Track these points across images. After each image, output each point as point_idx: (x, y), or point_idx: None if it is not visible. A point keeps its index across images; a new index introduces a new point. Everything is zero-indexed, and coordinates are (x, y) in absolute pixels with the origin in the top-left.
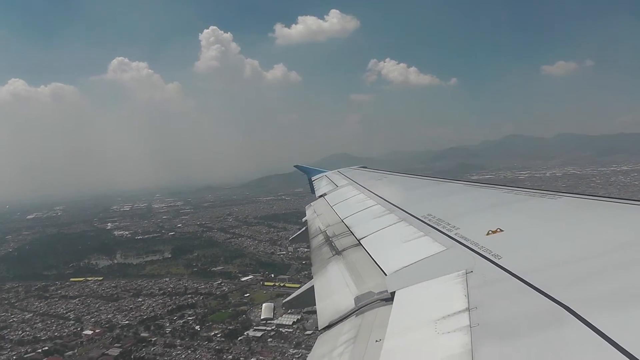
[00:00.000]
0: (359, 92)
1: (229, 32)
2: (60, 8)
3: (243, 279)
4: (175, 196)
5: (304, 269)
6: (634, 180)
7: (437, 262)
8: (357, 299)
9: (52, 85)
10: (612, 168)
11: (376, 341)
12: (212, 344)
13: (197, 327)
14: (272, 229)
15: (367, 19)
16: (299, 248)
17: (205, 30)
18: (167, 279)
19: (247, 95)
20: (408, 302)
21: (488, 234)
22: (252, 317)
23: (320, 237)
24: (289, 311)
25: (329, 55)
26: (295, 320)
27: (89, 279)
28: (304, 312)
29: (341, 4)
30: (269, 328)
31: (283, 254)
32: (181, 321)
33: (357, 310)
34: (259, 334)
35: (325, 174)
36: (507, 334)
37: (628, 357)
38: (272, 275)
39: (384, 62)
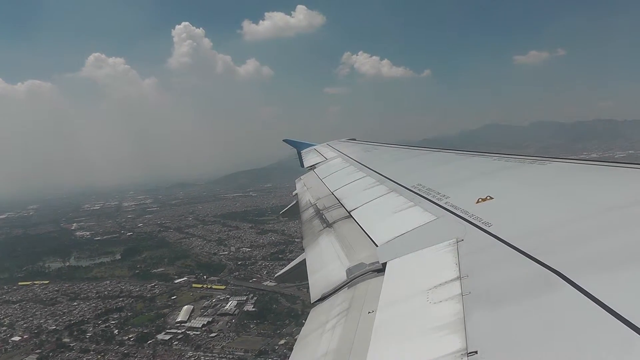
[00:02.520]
0: (333, 85)
1: (200, 28)
2: (36, 4)
3: (176, 281)
4: (148, 193)
5: (237, 270)
6: None
7: (428, 231)
8: (349, 271)
9: (28, 82)
10: (581, 156)
11: (369, 312)
12: (123, 348)
13: (116, 332)
14: (225, 228)
15: (334, 13)
16: (241, 248)
17: (178, 26)
18: (107, 282)
19: (222, 90)
20: (399, 273)
21: (478, 202)
22: (169, 320)
23: (311, 210)
24: (204, 313)
25: (300, 50)
26: (205, 322)
27: (36, 282)
28: (216, 315)
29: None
30: (179, 331)
31: (225, 254)
32: (104, 325)
33: (349, 282)
34: (167, 337)
35: (314, 147)
36: (499, 300)
37: (619, 319)
38: (205, 276)
39: (357, 55)
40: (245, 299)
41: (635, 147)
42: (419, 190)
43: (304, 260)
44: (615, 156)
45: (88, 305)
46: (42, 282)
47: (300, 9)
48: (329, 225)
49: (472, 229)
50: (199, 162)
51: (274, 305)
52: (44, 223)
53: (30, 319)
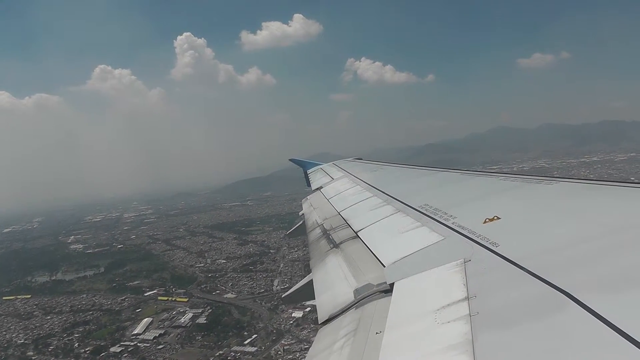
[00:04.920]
0: (339, 92)
1: (202, 38)
2: (42, 19)
3: (146, 293)
4: (151, 203)
5: (206, 282)
6: (592, 173)
7: (435, 252)
8: (357, 292)
9: (36, 96)
10: (582, 159)
11: (376, 333)
12: None
13: (76, 345)
14: (210, 239)
15: (332, 21)
16: (217, 259)
17: (180, 37)
18: (84, 295)
19: (227, 99)
20: (407, 293)
21: (485, 222)
22: (127, 333)
23: (318, 231)
24: (160, 326)
25: (301, 58)
26: (157, 335)
27: (19, 297)
28: (170, 327)
29: (303, 9)
30: (131, 344)
31: (200, 266)
32: (67, 339)
33: (356, 302)
34: (119, 349)
35: (320, 166)
36: (507, 321)
37: (628, 340)
38: (174, 289)
39: (359, 61)
40: (201, 311)
41: (639, 149)
42: (425, 210)
43: (311, 280)
44: (616, 159)
45: (59, 319)
46: (24, 296)
47: (298, 17)
48: (335, 245)
49: (479, 249)
50: (205, 171)
51: (224, 318)
52: (44, 236)
53: (4, 333)
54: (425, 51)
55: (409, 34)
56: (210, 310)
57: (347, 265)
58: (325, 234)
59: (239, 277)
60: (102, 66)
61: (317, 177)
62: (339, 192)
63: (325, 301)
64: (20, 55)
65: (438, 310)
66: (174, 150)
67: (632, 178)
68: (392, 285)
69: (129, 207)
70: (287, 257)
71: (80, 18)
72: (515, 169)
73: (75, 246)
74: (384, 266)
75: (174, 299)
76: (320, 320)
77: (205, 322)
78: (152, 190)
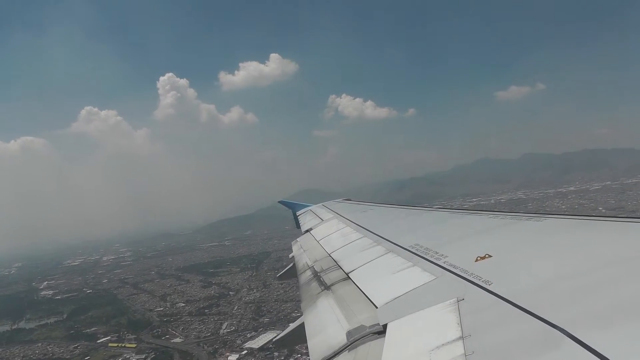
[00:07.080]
0: (322, 128)
1: (184, 79)
2: (24, 62)
3: (99, 340)
4: (132, 245)
5: (160, 327)
6: (564, 204)
7: (428, 291)
8: (349, 334)
9: (21, 139)
10: (559, 189)
11: None
12: None
13: None
14: (177, 282)
15: (311, 59)
16: (177, 303)
17: (162, 78)
18: (39, 344)
19: (211, 138)
20: (401, 334)
21: (477, 260)
22: None
23: (308, 273)
24: None
25: (282, 96)
26: None
27: None
28: None
29: (280, 49)
30: None
31: (159, 310)
32: None
33: (349, 345)
34: None
35: (310, 208)
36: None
37: None
38: (127, 334)
39: (340, 98)
40: (144, 357)
41: (615, 177)
42: (416, 250)
43: (302, 323)
44: (591, 189)
45: None
46: None
47: (274, 57)
48: (327, 287)
49: (472, 288)
50: (190, 209)
51: None
52: (18, 282)
53: None
54: (404, 86)
55: (386, 70)
56: (153, 356)
57: (339, 307)
58: (316, 276)
59: (192, 320)
60: (88, 107)
61: (306, 219)
62: (328, 234)
63: (317, 344)
64: (4, 98)
65: (433, 350)
66: (160, 190)
67: (600, 208)
68: (385, 326)
69: (110, 249)
70: (243, 299)
71: (62, 60)
72: (492, 201)
73: (45, 292)
74: (377, 307)
75: (123, 345)
76: None
77: None
78: (136, 231)
